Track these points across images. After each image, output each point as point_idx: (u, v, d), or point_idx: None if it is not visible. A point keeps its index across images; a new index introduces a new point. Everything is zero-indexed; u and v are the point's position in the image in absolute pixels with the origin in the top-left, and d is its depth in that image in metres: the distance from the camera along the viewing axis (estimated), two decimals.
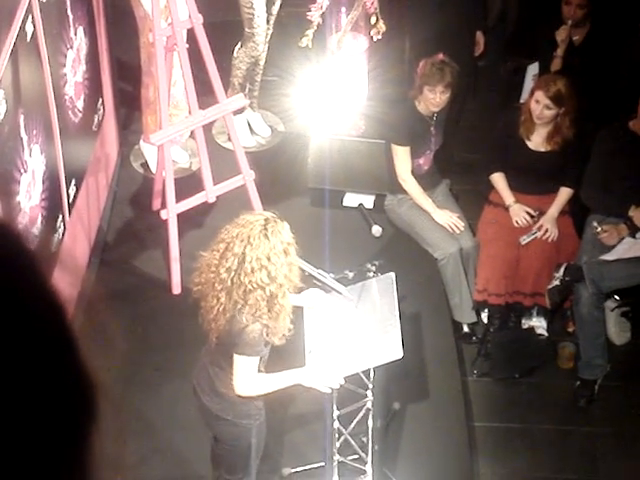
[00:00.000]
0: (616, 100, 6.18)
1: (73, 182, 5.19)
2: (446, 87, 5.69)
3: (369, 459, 4.57)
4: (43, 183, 4.66)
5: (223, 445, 4.35)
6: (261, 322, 3.92)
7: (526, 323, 5.93)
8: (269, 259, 3.87)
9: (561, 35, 6.38)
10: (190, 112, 5.47)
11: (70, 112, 5.14)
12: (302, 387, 4.21)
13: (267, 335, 3.96)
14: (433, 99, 5.74)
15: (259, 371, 4.09)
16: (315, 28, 5.77)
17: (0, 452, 0.77)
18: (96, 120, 5.70)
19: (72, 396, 0.84)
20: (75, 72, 5.21)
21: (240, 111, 6.30)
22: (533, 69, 6.55)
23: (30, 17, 4.41)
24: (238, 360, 3.98)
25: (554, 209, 5.94)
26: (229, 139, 5.76)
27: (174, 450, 4.94)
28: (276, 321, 3.94)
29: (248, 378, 4.02)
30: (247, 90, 6.50)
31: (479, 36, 6.61)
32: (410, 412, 5.22)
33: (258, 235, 3.88)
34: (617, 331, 5.87)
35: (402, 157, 5.90)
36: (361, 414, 4.61)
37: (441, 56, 5.73)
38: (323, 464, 4.74)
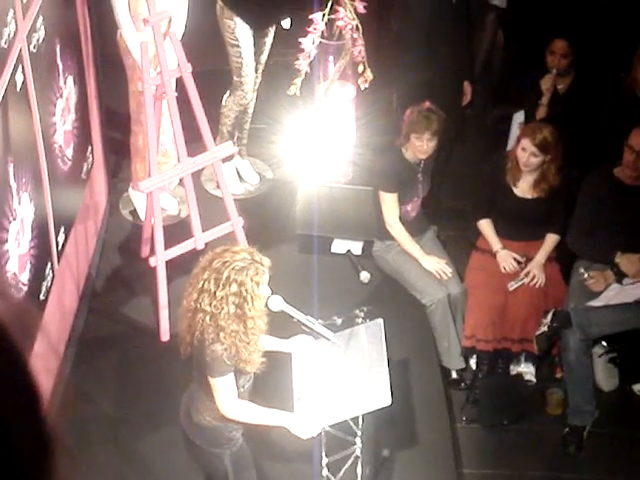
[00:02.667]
0: (600, 147, 6.24)
1: (62, 230, 5.20)
2: (433, 134, 5.75)
3: None
4: (32, 231, 4.67)
5: (203, 471, 4.40)
6: (223, 344, 3.94)
7: (514, 369, 5.93)
8: (240, 291, 3.91)
9: (546, 84, 6.46)
10: (179, 160, 5.51)
11: (59, 160, 5.17)
12: (291, 436, 4.21)
13: (233, 361, 3.98)
14: (420, 146, 5.79)
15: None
16: (303, 76, 5.82)
17: None
18: (85, 168, 5.73)
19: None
20: (65, 121, 5.24)
21: (229, 159, 6.34)
22: (519, 117, 6.62)
23: (20, 66, 4.44)
24: (212, 384, 4.03)
25: (541, 255, 5.97)
26: (218, 186, 5.79)
27: None
28: (244, 348, 3.97)
29: (226, 399, 4.05)
30: (236, 138, 6.55)
31: (466, 85, 6.68)
32: (399, 459, 5.20)
33: (240, 267, 3.92)
34: (605, 377, 5.87)
35: (389, 204, 5.94)
36: (350, 461, 4.59)
37: (427, 104, 5.79)
38: None
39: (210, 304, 3.93)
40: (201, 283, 3.96)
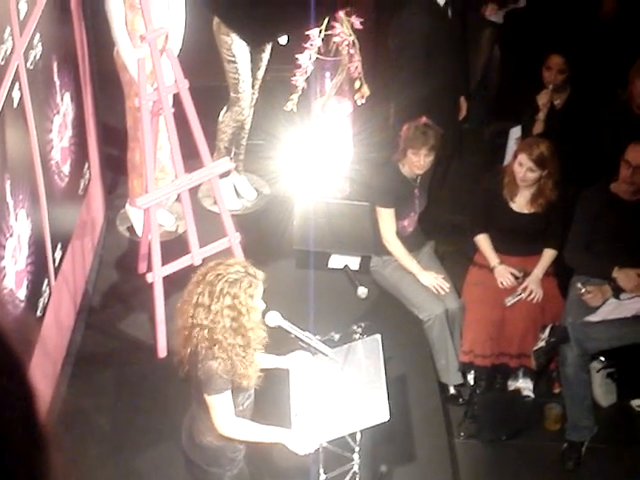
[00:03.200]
0: (597, 162, 6.25)
1: (59, 246, 5.20)
2: (430, 150, 5.76)
3: None
4: (29, 247, 4.67)
5: None
6: (217, 360, 3.93)
7: (512, 385, 5.92)
8: (234, 304, 3.90)
9: (542, 99, 6.47)
10: (176, 176, 5.51)
11: (56, 177, 5.17)
12: (288, 452, 4.20)
13: (229, 375, 3.97)
14: (417, 162, 5.80)
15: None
16: (300, 92, 5.84)
17: None
18: (82, 184, 5.73)
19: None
20: (62, 137, 5.25)
21: (226, 174, 6.35)
22: (515, 132, 6.64)
23: (17, 83, 4.45)
24: (208, 401, 4.02)
25: (538, 270, 5.97)
26: (215, 202, 5.78)
27: None
28: (240, 362, 3.96)
29: (223, 416, 4.03)
30: (233, 154, 6.55)
31: (462, 101, 6.70)
32: (397, 475, 5.18)
33: (234, 279, 3.92)
34: (603, 392, 5.86)
35: (386, 219, 5.94)
36: (348, 477, 4.57)
37: (424, 119, 5.80)
38: None
39: (206, 318, 3.93)
40: (195, 297, 3.95)
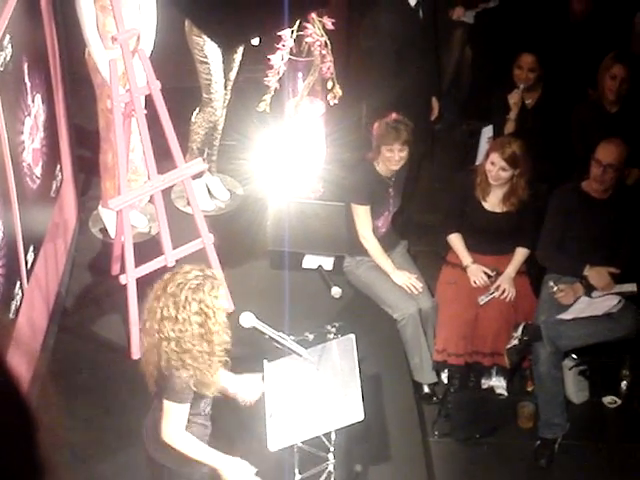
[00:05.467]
0: (569, 161, 6.29)
1: (31, 248, 5.18)
2: (403, 144, 5.77)
3: None
4: (1, 250, 4.65)
5: None
6: (188, 370, 3.94)
7: (486, 383, 5.95)
8: (201, 308, 3.91)
9: (514, 98, 6.51)
10: (149, 177, 5.49)
11: (28, 179, 5.14)
12: (264, 451, 4.21)
13: (196, 385, 3.97)
14: (391, 157, 5.81)
15: (200, 429, 4.12)
16: (272, 93, 5.84)
17: None
18: (54, 186, 5.71)
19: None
20: (33, 139, 5.22)
21: (199, 175, 6.34)
22: (487, 132, 6.66)
23: None
24: (166, 405, 4.02)
25: (511, 269, 6.00)
26: (188, 203, 5.78)
27: None
28: (206, 371, 3.96)
29: (174, 425, 4.03)
30: (206, 154, 6.55)
31: (434, 101, 6.72)
32: (372, 474, 5.20)
33: (196, 285, 3.92)
34: (575, 390, 5.90)
35: (362, 216, 5.96)
36: (323, 477, 4.59)
37: (394, 115, 5.81)
38: None
39: (173, 330, 3.92)
40: (159, 312, 3.94)
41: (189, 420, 4.10)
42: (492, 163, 5.83)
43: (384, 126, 5.78)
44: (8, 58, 4.72)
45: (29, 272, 5.14)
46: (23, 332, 5.11)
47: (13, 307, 4.82)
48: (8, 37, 4.71)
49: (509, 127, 6.50)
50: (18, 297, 4.92)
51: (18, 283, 4.95)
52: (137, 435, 4.97)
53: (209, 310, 3.92)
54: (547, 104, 6.55)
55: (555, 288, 5.76)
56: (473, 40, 7.41)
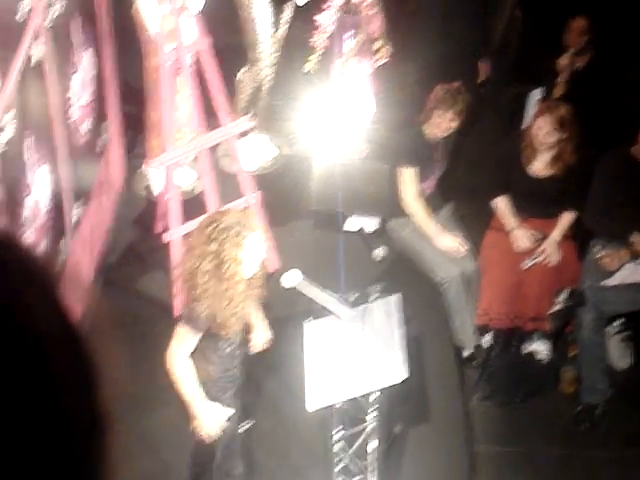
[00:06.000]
0: (618, 126, 6.21)
1: (78, 204, 5.22)
2: (456, 114, 5.72)
3: None
4: (48, 204, 4.69)
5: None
6: (200, 303, 4.00)
7: (528, 347, 5.93)
8: (219, 251, 3.96)
9: (564, 61, 6.42)
10: (195, 135, 5.50)
11: (75, 135, 5.18)
12: (304, 411, 4.24)
13: (208, 319, 4.03)
14: (440, 124, 5.77)
15: (220, 370, 4.17)
16: (320, 52, 5.81)
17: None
18: (101, 143, 5.74)
19: (83, 420, 0.85)
20: (81, 96, 5.25)
21: (244, 134, 6.34)
22: (535, 95, 6.59)
23: (37, 42, 4.45)
24: (177, 328, 4.12)
25: (556, 233, 5.95)
26: (233, 162, 5.79)
27: (176, 470, 4.94)
28: (220, 311, 4.02)
29: (177, 349, 4.11)
30: (252, 113, 6.54)
31: (482, 63, 6.65)
32: (411, 435, 5.22)
33: (223, 227, 3.98)
34: (618, 356, 5.87)
35: (408, 179, 5.93)
36: (362, 437, 4.61)
37: (457, 84, 5.76)
38: None
39: (192, 263, 4.01)
40: (190, 245, 4.06)
41: (208, 356, 4.14)
42: (539, 127, 5.77)
43: (443, 92, 5.73)
44: (57, 15, 4.74)
45: (75, 227, 5.19)
46: (69, 286, 5.17)
47: (59, 261, 4.87)
48: None
49: (558, 90, 6.42)
50: (64, 251, 4.97)
51: (64, 238, 5.00)
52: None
53: (225, 255, 3.94)
54: (597, 68, 6.46)
55: (601, 253, 5.71)
56: (523, 1, 7.31)
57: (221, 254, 3.94)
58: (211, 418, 4.22)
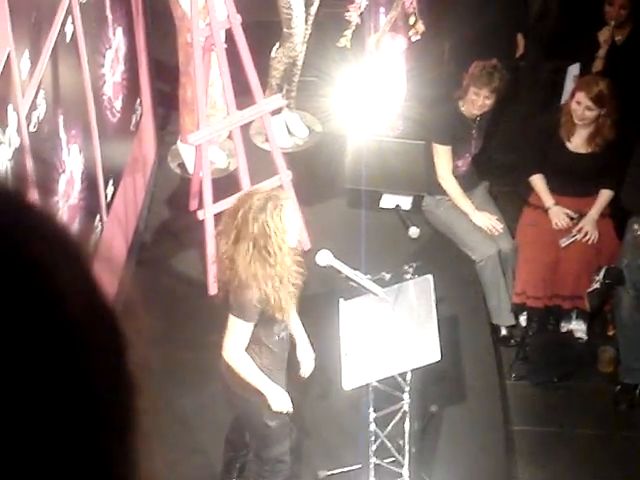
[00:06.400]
0: None
1: (111, 182, 5.21)
2: (492, 92, 5.65)
3: (406, 462, 4.55)
4: (81, 183, 4.68)
5: (244, 424, 4.46)
6: (252, 289, 3.98)
7: (565, 326, 5.87)
8: (264, 230, 3.95)
9: (604, 35, 6.31)
10: (228, 112, 5.47)
11: (108, 112, 5.16)
12: (340, 390, 4.21)
13: (265, 305, 4.00)
14: (476, 101, 5.70)
15: (273, 354, 4.15)
16: (353, 28, 5.76)
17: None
18: (134, 120, 5.72)
19: (114, 396, 0.83)
20: (114, 72, 5.23)
21: (278, 111, 6.28)
22: (574, 70, 6.48)
23: (70, 18, 4.42)
24: (230, 320, 4.10)
25: (594, 211, 5.87)
26: (266, 139, 5.75)
27: (211, 451, 4.94)
28: (273, 294, 3.98)
29: (234, 341, 4.11)
30: (285, 90, 6.49)
31: (519, 37, 6.55)
32: (447, 415, 5.18)
33: (259, 206, 3.97)
34: None
35: (443, 156, 5.86)
36: (398, 417, 4.58)
37: (494, 61, 5.68)
38: (359, 466, 4.72)
39: (237, 250, 3.99)
40: (228, 235, 4.04)
41: (263, 343, 4.13)
42: (578, 102, 5.69)
43: (480, 68, 5.66)
44: None
45: (109, 205, 5.18)
46: (102, 264, 5.16)
47: (93, 239, 4.86)
48: None
49: (597, 65, 6.31)
50: (98, 230, 4.97)
51: (98, 216, 4.99)
52: (214, 370, 5.02)
53: (270, 230, 3.93)
54: (637, 42, 6.34)
55: (639, 232, 5.63)
56: None
57: (265, 231, 3.93)
58: (281, 398, 4.21)
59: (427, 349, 4.45)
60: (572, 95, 5.79)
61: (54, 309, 0.79)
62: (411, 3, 5.79)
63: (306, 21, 6.26)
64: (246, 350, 4.15)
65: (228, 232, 4.05)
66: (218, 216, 5.42)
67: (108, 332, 0.86)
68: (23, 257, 0.79)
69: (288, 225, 4.01)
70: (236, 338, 4.10)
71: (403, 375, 4.56)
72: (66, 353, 0.79)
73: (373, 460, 4.56)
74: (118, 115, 5.33)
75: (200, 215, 5.41)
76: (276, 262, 3.98)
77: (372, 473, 4.55)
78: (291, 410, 4.27)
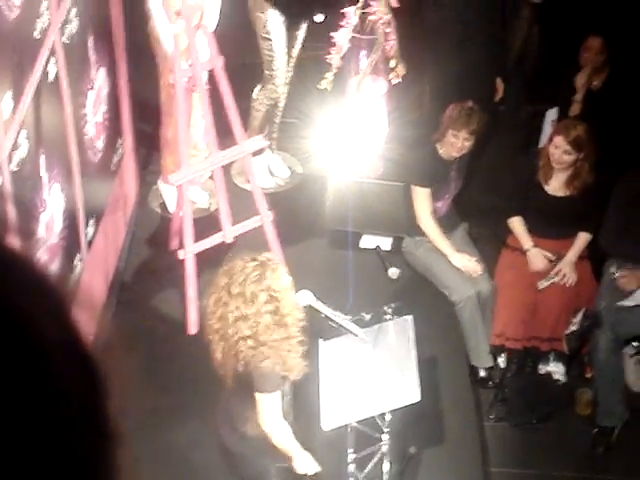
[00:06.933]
0: (636, 146, 6.17)
1: (92, 221, 5.21)
2: (470, 134, 5.70)
3: None
4: (62, 222, 4.68)
5: None
6: (272, 359, 3.94)
7: (543, 368, 5.88)
8: (270, 296, 3.91)
9: (581, 80, 6.39)
10: (209, 153, 5.50)
11: (90, 152, 5.18)
12: (319, 431, 4.21)
13: (282, 371, 3.98)
14: (455, 143, 5.75)
15: (287, 412, 4.11)
16: (335, 71, 5.81)
17: None
18: (115, 160, 5.74)
19: (93, 440, 0.83)
20: (95, 112, 5.25)
21: (259, 152, 6.32)
22: (552, 114, 6.56)
23: (53, 58, 4.45)
24: (258, 397, 4.01)
25: (572, 254, 5.91)
26: (248, 180, 5.78)
27: None
28: (287, 356, 3.95)
29: (271, 415, 4.03)
30: (266, 132, 6.53)
31: (498, 81, 6.63)
32: (426, 456, 5.17)
33: (257, 275, 3.90)
34: (635, 378, 5.81)
35: (422, 199, 5.90)
36: (377, 458, 4.58)
37: (470, 103, 5.73)
38: None
39: (248, 327, 3.91)
40: (231, 316, 3.93)
41: None
42: (556, 146, 5.74)
43: (457, 110, 5.70)
44: (74, 31, 4.74)
45: (89, 245, 5.18)
46: (82, 304, 5.15)
47: (73, 278, 4.86)
48: (74, 10, 4.73)
49: (574, 109, 6.39)
50: (78, 269, 4.96)
51: (78, 255, 4.99)
52: (193, 409, 5.01)
53: (277, 294, 3.91)
54: (614, 87, 6.43)
55: (617, 274, 5.67)
56: (541, 20, 7.29)
57: (273, 296, 3.90)
58: (309, 463, 4.18)
59: (407, 390, 4.46)
60: (550, 139, 5.84)
61: (31, 358, 0.78)
62: (391, 47, 5.86)
63: (287, 63, 6.32)
64: (246, 412, 4.10)
65: (228, 315, 3.93)
66: (199, 256, 5.44)
67: (90, 381, 0.85)
68: (1, 305, 0.78)
69: (287, 282, 3.99)
70: (271, 411, 4.02)
71: (382, 416, 4.56)
72: (45, 404, 0.78)
73: None
74: (99, 155, 5.35)
75: (181, 255, 5.42)
76: (286, 323, 3.95)
77: None
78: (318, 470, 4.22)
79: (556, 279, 5.84)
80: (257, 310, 3.89)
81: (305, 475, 4.20)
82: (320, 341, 4.64)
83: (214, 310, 4.00)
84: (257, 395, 4.00)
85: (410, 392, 4.42)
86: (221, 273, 4.02)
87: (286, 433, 4.09)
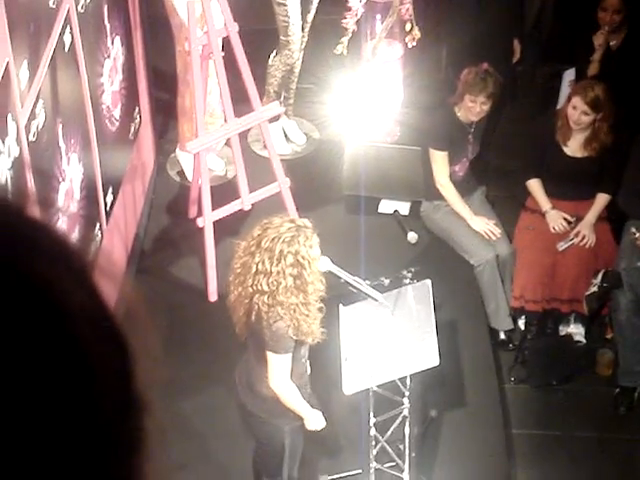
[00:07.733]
0: None
1: (110, 190, 5.23)
2: (487, 98, 5.67)
3: (406, 467, 4.56)
4: (81, 191, 4.70)
5: (258, 444, 4.41)
6: (285, 321, 3.97)
7: (564, 330, 5.89)
8: (297, 260, 3.93)
9: (598, 40, 6.33)
10: (226, 120, 5.49)
11: (107, 121, 5.18)
12: (340, 395, 4.23)
13: (296, 334, 4.00)
14: (473, 108, 5.72)
15: (300, 375, 4.15)
16: (350, 35, 5.78)
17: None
18: (133, 129, 5.74)
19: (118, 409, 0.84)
20: (112, 81, 5.25)
21: (275, 119, 6.31)
22: (569, 75, 6.51)
23: (68, 27, 4.45)
24: (269, 357, 4.06)
25: (591, 215, 5.89)
26: (264, 147, 5.78)
27: (213, 458, 4.95)
28: (304, 321, 3.98)
29: (280, 375, 4.08)
30: (282, 98, 6.51)
31: (516, 43, 6.58)
32: (447, 419, 5.20)
33: (290, 237, 3.92)
34: None
35: (440, 162, 5.88)
36: (398, 421, 4.60)
37: (485, 66, 5.70)
38: (360, 471, 4.74)
39: (268, 283, 3.94)
40: (254, 267, 3.96)
41: (292, 368, 4.12)
42: (574, 107, 5.71)
43: (473, 75, 5.67)
44: (89, 0, 4.73)
45: (108, 214, 5.20)
46: (102, 273, 5.18)
47: (93, 248, 4.88)
48: None
49: (592, 70, 6.34)
50: (98, 238, 4.99)
51: (98, 225, 5.01)
52: (214, 376, 5.04)
53: (305, 261, 3.93)
54: (632, 46, 6.37)
55: (637, 235, 5.64)
56: None
57: (300, 262, 3.92)
58: (317, 420, 4.25)
59: (426, 354, 4.47)
60: (568, 100, 5.81)
61: (57, 324, 0.79)
62: (407, 10, 5.82)
63: (303, 28, 6.29)
64: (260, 372, 4.14)
65: (252, 265, 3.96)
66: (217, 223, 5.45)
67: (114, 348, 0.86)
68: (24, 271, 0.78)
69: (317, 252, 4.01)
70: (281, 371, 4.07)
71: (403, 380, 4.57)
72: (72, 372, 0.78)
73: (373, 465, 4.57)
74: (117, 124, 5.35)
75: (199, 222, 5.43)
76: (307, 290, 3.98)
77: (372, 478, 4.56)
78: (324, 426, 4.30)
79: (575, 240, 5.82)
80: (281, 269, 3.92)
81: (315, 432, 4.25)
82: (340, 306, 4.65)
83: (241, 255, 4.05)
84: (268, 354, 4.05)
85: (430, 356, 4.43)
86: (259, 225, 4.06)
87: (294, 393, 4.14)
